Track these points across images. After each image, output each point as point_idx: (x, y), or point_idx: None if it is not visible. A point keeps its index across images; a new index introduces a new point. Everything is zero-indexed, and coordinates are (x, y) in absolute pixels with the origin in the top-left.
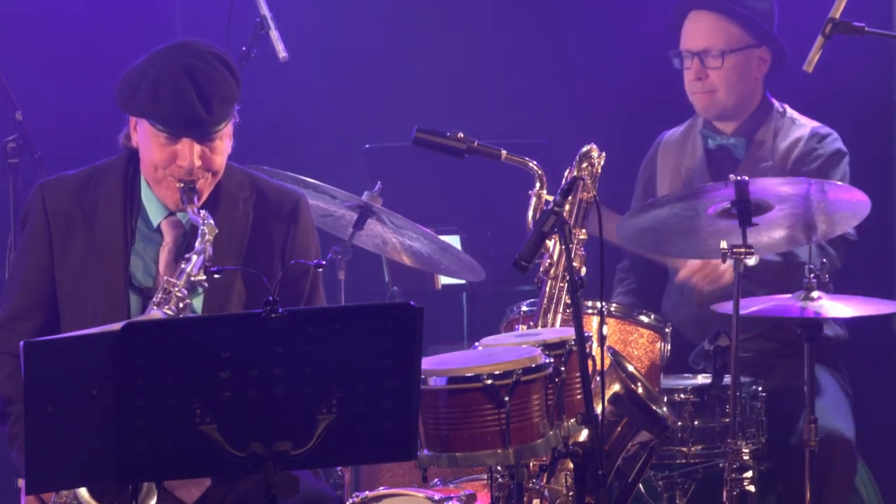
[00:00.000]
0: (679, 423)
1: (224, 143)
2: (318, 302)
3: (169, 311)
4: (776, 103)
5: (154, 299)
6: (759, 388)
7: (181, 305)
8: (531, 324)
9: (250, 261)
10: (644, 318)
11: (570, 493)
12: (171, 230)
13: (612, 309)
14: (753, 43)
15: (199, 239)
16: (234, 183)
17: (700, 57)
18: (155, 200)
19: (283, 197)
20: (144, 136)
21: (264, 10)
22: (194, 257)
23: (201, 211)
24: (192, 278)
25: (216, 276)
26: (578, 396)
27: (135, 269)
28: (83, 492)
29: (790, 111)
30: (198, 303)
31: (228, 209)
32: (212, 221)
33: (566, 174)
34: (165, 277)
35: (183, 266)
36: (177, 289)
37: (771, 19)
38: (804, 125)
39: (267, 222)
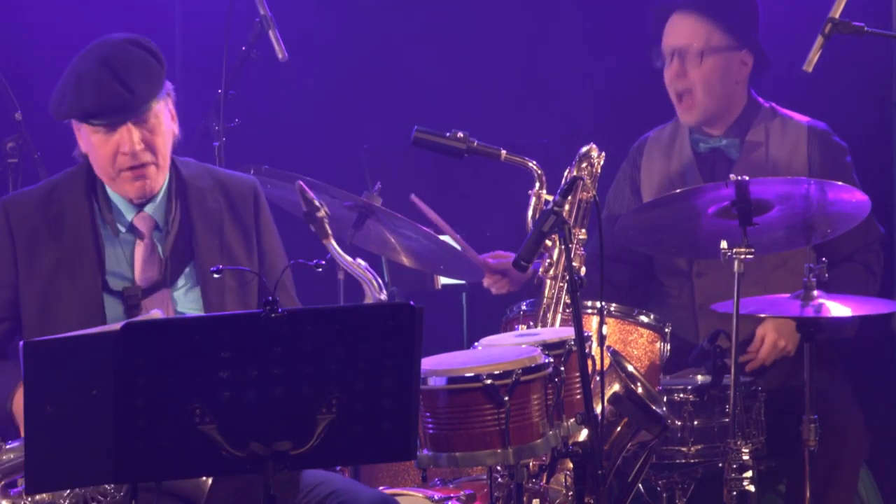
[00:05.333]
0: (679, 423)
1: (161, 123)
2: (287, 291)
3: None
4: (763, 102)
5: None
6: (759, 388)
7: None
8: (531, 323)
9: (228, 248)
10: (644, 318)
11: (570, 493)
12: (143, 224)
13: (612, 309)
14: (734, 45)
15: None
16: (195, 176)
17: (679, 54)
18: (122, 199)
19: (242, 184)
20: (87, 140)
21: (264, 10)
22: None
23: None
24: None
25: (216, 276)
26: (578, 396)
27: (109, 274)
28: None
29: (779, 109)
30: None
31: (200, 200)
32: None
33: (566, 174)
34: None
35: None
36: None
37: (754, 23)
38: (797, 122)
39: (235, 210)
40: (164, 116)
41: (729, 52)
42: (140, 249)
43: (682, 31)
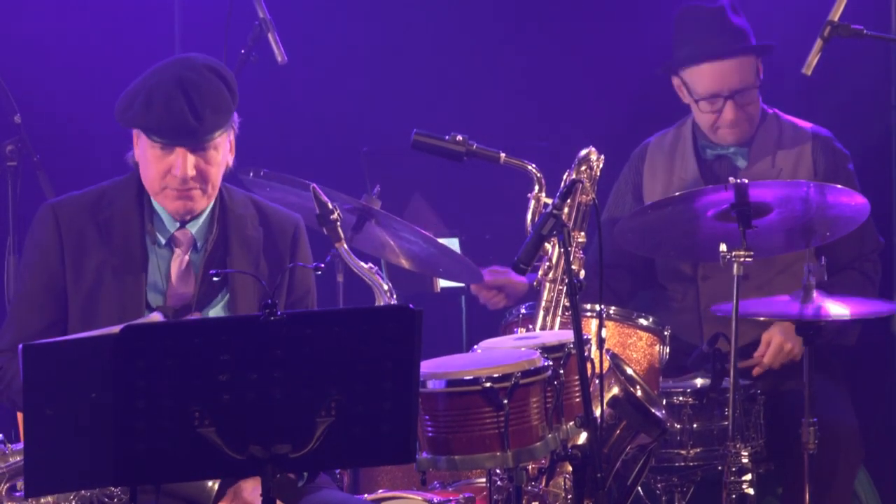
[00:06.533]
0: (678, 426)
1: (219, 154)
2: None
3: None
4: (767, 108)
5: None
6: (758, 391)
7: None
8: (530, 327)
9: (262, 276)
10: (643, 321)
11: (569, 497)
12: (182, 240)
13: (611, 312)
14: (756, 61)
15: None
16: (237, 203)
17: (733, 98)
18: (166, 212)
19: (285, 219)
20: (142, 150)
21: (263, 12)
22: None
23: None
24: None
25: (215, 279)
26: (577, 399)
27: (148, 289)
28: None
29: (782, 115)
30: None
31: (240, 227)
32: None
33: (565, 177)
34: None
35: None
36: None
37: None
38: (801, 129)
39: (273, 241)
40: (223, 148)
41: (755, 70)
42: (176, 264)
43: (729, 73)
